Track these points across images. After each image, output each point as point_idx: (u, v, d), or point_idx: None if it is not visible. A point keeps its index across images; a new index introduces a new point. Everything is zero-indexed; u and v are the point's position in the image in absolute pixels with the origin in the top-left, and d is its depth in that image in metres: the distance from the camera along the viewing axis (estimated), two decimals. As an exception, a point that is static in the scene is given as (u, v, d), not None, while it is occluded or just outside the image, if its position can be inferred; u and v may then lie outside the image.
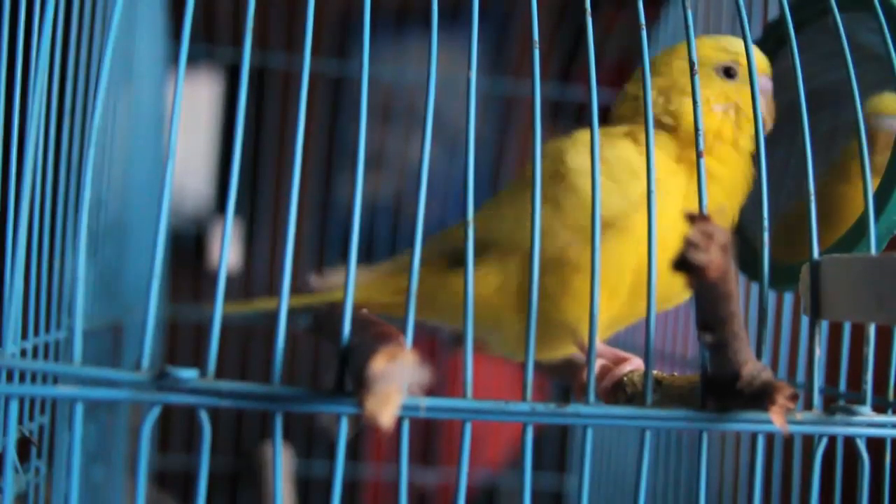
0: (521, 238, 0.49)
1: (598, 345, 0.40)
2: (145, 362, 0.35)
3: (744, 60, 0.52)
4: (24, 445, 0.48)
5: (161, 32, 0.86)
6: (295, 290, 0.55)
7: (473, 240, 0.52)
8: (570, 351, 0.54)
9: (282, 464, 0.35)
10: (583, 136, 0.52)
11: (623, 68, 0.95)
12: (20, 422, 0.48)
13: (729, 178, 0.51)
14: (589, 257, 0.48)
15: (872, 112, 0.51)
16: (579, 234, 0.49)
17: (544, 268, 0.50)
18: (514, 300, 0.50)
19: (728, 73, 0.52)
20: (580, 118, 1.22)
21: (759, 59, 0.53)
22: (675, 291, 0.46)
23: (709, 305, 0.33)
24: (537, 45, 0.40)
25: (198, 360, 0.36)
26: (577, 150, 0.51)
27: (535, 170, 0.38)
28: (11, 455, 0.38)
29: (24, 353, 0.47)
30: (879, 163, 0.47)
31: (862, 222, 0.45)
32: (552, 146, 0.53)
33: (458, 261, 0.49)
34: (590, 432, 0.37)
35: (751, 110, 0.52)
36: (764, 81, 0.53)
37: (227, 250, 0.36)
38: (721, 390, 0.36)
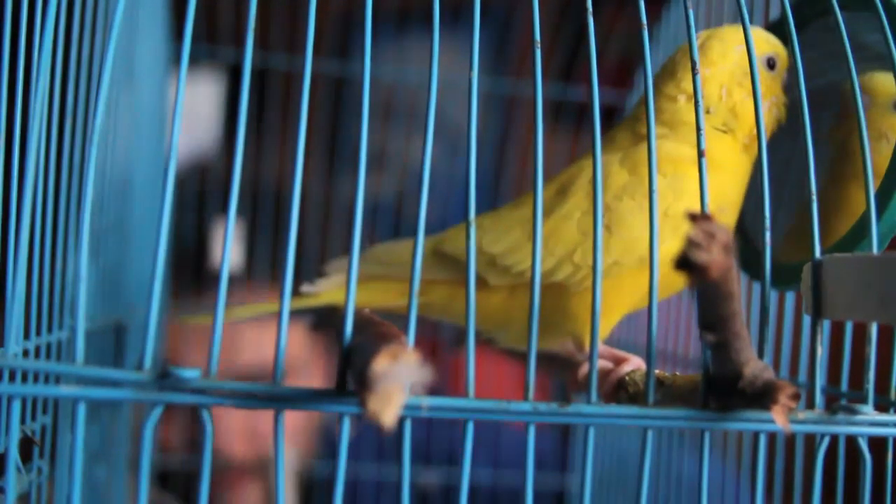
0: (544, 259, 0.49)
1: (599, 346, 0.40)
2: (147, 362, 0.35)
3: (781, 51, 0.53)
4: (26, 445, 0.48)
5: (163, 33, 0.86)
6: (296, 292, 0.55)
7: (488, 256, 0.52)
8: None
9: (284, 463, 0.35)
10: (617, 176, 0.51)
11: (624, 68, 0.95)
12: (23, 422, 0.48)
13: (748, 171, 0.53)
14: (614, 286, 0.49)
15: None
16: (614, 268, 0.50)
17: (560, 288, 0.51)
18: (525, 303, 0.50)
19: (770, 63, 0.53)
20: (582, 118, 1.21)
21: (781, 50, 0.53)
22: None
23: (710, 305, 0.33)
24: (539, 45, 0.40)
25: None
26: (623, 196, 0.50)
27: (537, 170, 0.38)
28: (14, 455, 0.38)
29: (26, 353, 0.47)
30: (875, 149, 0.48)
31: (864, 222, 0.45)
32: (588, 172, 0.52)
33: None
34: (591, 431, 0.37)
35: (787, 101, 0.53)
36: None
37: (228, 250, 0.36)
38: (723, 390, 0.36)
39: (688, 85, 0.52)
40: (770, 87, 0.52)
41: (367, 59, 0.37)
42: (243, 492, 1.00)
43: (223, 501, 1.01)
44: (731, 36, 0.53)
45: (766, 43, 0.52)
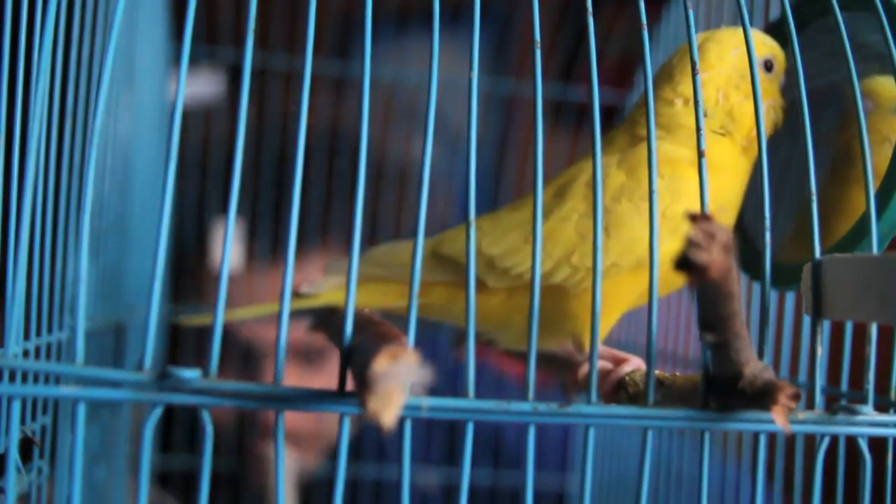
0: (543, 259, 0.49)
1: (599, 346, 0.40)
2: (147, 362, 0.35)
3: (778, 54, 0.53)
4: (26, 446, 0.48)
5: (163, 33, 0.86)
6: (296, 292, 0.55)
7: (487, 258, 0.52)
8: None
9: (284, 464, 0.35)
10: (614, 178, 0.51)
11: (624, 68, 0.95)
12: (23, 422, 0.48)
13: (747, 172, 0.53)
14: (612, 287, 0.49)
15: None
16: (612, 269, 0.50)
17: (559, 288, 0.51)
18: (524, 305, 0.50)
19: (767, 66, 0.53)
20: (582, 118, 1.22)
21: (779, 53, 0.53)
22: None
23: (710, 305, 0.33)
24: (539, 45, 0.40)
25: (200, 360, 0.36)
26: (621, 198, 0.51)
27: (537, 171, 0.38)
28: (14, 455, 0.38)
29: (26, 353, 0.47)
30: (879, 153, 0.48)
31: (864, 222, 0.45)
32: (585, 174, 0.52)
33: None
34: (592, 432, 0.37)
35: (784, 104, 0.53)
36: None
37: (228, 251, 0.36)
38: (723, 390, 0.36)
39: (685, 89, 0.52)
40: (767, 90, 0.52)
41: (366, 59, 0.37)
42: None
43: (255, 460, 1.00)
44: (727, 39, 0.53)
45: (763, 45, 0.52)
